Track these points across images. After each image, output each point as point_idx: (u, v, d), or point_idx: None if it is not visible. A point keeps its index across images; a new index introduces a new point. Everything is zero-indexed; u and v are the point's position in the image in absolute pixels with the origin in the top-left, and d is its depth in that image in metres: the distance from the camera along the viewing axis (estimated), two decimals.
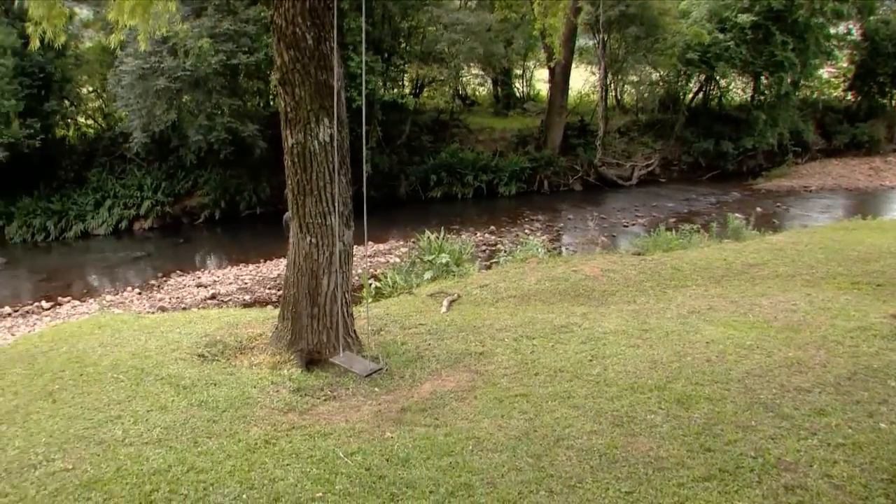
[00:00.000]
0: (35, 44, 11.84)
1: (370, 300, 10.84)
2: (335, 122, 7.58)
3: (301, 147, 7.61)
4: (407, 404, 7.12)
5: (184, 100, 25.81)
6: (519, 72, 40.66)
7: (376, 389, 7.57)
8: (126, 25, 12.77)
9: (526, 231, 21.97)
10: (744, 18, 31.19)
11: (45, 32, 11.69)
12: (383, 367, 7.83)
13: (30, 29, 11.82)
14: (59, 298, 19.59)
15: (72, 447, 6.42)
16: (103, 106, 32.26)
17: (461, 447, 6.12)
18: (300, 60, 7.51)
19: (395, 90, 31.58)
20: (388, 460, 5.97)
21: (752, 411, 6.58)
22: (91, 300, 19.13)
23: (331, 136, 7.59)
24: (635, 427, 6.37)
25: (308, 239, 7.84)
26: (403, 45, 30.42)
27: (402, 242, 22.10)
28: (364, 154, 7.83)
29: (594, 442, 6.11)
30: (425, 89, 34.17)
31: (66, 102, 30.15)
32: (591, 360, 7.99)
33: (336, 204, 7.70)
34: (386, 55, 28.95)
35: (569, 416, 6.60)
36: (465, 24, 28.21)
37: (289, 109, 7.65)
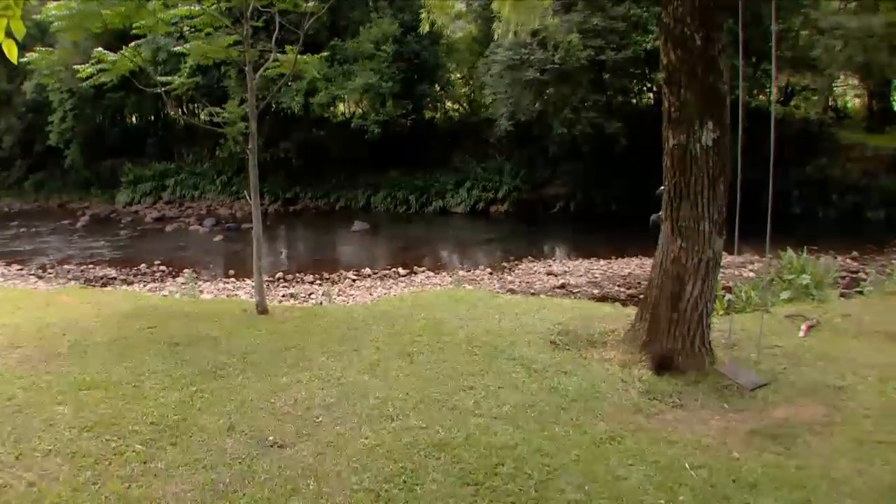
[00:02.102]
0: (425, 27, 12.98)
1: (722, 312, 10.46)
2: (720, 126, 7.35)
3: (682, 149, 7.46)
4: (756, 427, 6.74)
5: (549, 92, 26.52)
6: None
7: (725, 406, 7.26)
8: (508, 19, 13.49)
9: (894, 262, 19.89)
10: None
11: (434, 21, 12.74)
12: (769, 383, 7.52)
13: (423, 15, 12.96)
14: (415, 267, 21.08)
15: (425, 407, 6.86)
16: (470, 92, 34.22)
17: (814, 484, 5.66)
18: (687, 61, 7.36)
19: (762, 97, 30.10)
20: (734, 481, 5.69)
21: None
22: (444, 273, 20.40)
23: (714, 140, 7.36)
24: None
25: (678, 243, 7.68)
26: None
27: (756, 257, 20.89)
28: (770, 164, 7.50)
29: None
30: (794, 98, 32.13)
31: (436, 87, 32.44)
32: None
33: (711, 210, 7.48)
34: (754, 59, 27.60)
35: None
36: (845, 29, 26.09)
37: (672, 110, 7.53)
